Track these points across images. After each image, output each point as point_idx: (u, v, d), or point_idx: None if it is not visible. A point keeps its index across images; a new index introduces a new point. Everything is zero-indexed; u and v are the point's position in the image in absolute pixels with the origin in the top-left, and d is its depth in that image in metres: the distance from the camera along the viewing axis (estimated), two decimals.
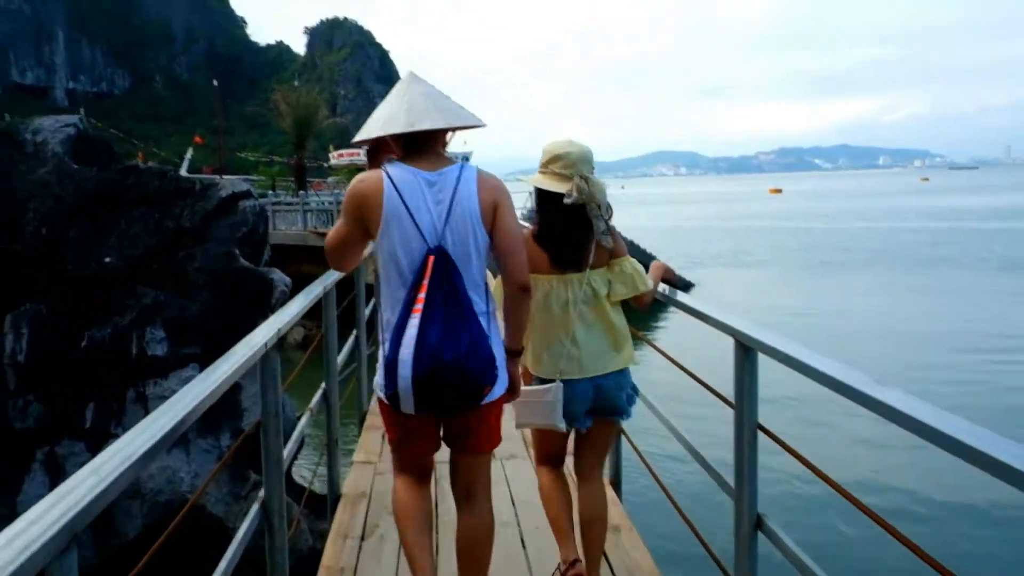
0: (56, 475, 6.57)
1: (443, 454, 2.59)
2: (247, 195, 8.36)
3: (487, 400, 2.28)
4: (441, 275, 2.17)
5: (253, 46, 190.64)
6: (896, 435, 1.60)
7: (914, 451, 9.31)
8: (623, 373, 2.75)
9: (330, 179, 44.54)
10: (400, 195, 2.20)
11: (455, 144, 2.68)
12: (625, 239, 2.92)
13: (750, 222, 60.88)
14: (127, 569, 1.49)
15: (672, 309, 3.01)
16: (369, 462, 4.37)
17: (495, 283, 2.53)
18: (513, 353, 2.41)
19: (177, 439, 1.57)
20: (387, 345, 2.21)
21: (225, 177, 21.37)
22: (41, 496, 1.17)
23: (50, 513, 1.12)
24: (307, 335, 16.59)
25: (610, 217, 2.69)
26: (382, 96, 2.43)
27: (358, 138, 2.33)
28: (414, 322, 2.13)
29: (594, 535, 2.80)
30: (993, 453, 1.22)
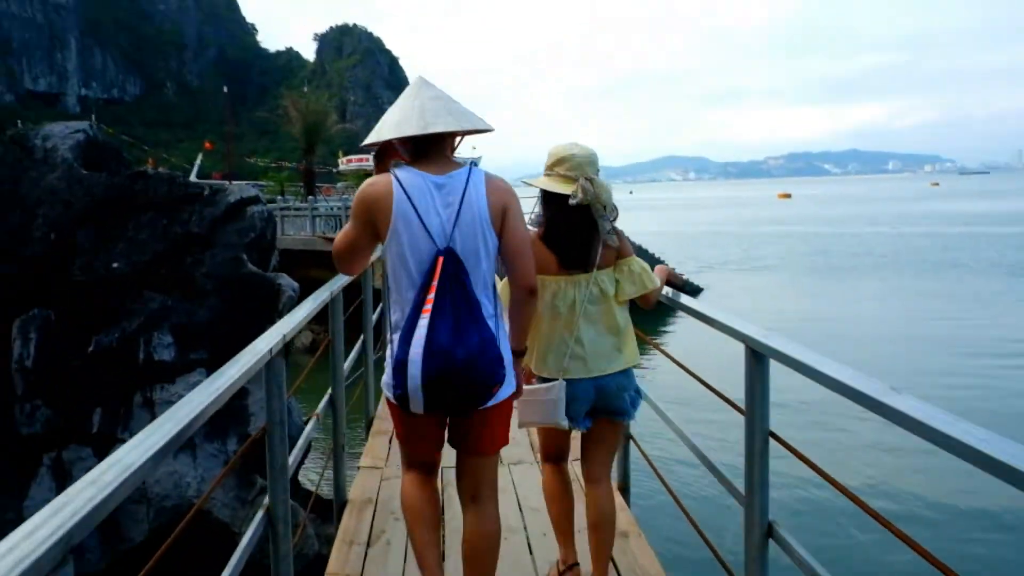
0: (63, 480, 6.57)
1: (450, 460, 2.59)
2: (255, 200, 8.36)
3: (495, 401, 2.29)
4: (451, 276, 2.18)
5: (263, 53, 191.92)
6: (909, 441, 1.56)
7: (928, 457, 9.21)
8: (627, 374, 2.78)
9: (339, 184, 44.70)
10: (409, 198, 2.21)
11: (464, 149, 2.71)
12: (633, 243, 2.92)
13: (759, 227, 60.69)
14: (133, 573, 1.47)
15: (682, 314, 3.00)
16: (376, 467, 4.35)
17: (501, 285, 2.53)
18: (516, 354, 2.43)
19: (184, 443, 1.54)
20: (396, 345, 2.22)
21: (234, 183, 21.44)
22: (48, 501, 1.15)
23: (45, 526, 1.09)
24: (315, 339, 16.61)
25: (615, 218, 2.71)
26: (391, 102, 2.45)
27: (369, 140, 2.34)
28: (423, 322, 2.14)
29: (602, 538, 2.78)
30: (1013, 463, 1.20)
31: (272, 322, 2.73)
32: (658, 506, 6.63)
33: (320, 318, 3.77)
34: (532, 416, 2.68)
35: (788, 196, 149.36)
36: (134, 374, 7.03)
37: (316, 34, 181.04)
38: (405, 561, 3.21)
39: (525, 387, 2.57)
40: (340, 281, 3.73)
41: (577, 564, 2.87)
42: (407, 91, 2.38)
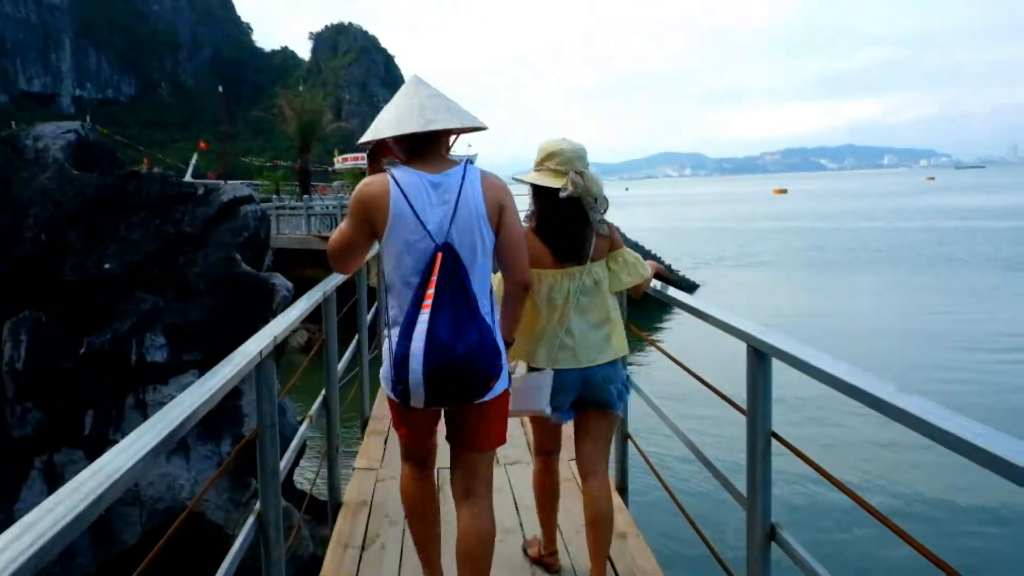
0: (54, 483, 6.50)
1: (445, 460, 2.58)
2: (248, 200, 8.29)
3: (491, 395, 2.31)
4: (449, 271, 2.21)
5: (258, 52, 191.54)
6: (910, 437, 1.53)
7: (934, 457, 9.18)
8: (614, 366, 2.81)
9: (335, 183, 44.57)
10: (406, 196, 2.24)
11: (460, 146, 2.72)
12: (629, 239, 2.92)
13: (755, 223, 60.76)
14: None
15: (676, 310, 2.99)
16: (371, 468, 4.30)
17: (495, 279, 2.55)
18: (505, 344, 2.45)
19: (176, 446, 1.48)
20: (396, 340, 2.23)
21: (229, 182, 21.35)
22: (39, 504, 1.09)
23: (17, 543, 1.03)
24: (311, 338, 16.55)
25: (605, 210, 2.76)
26: (387, 100, 2.49)
27: (367, 137, 2.35)
28: (424, 317, 2.16)
29: (599, 535, 2.78)
30: (1010, 458, 1.18)
31: (266, 322, 2.68)
32: (656, 502, 6.59)
33: (316, 317, 3.72)
34: (517, 404, 2.68)
35: (784, 191, 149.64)
36: (126, 375, 6.96)
37: (311, 33, 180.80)
38: (400, 565, 3.17)
39: (513, 375, 2.63)
40: (333, 280, 3.68)
41: (556, 552, 3.06)
42: (403, 89, 2.39)
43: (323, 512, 6.76)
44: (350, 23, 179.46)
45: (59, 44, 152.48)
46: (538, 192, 2.76)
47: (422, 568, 2.70)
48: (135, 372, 6.97)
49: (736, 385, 2.41)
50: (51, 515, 1.11)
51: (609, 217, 2.88)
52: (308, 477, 9.38)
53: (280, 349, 2.48)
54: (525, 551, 3.20)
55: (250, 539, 2.27)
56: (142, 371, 6.98)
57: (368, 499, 3.87)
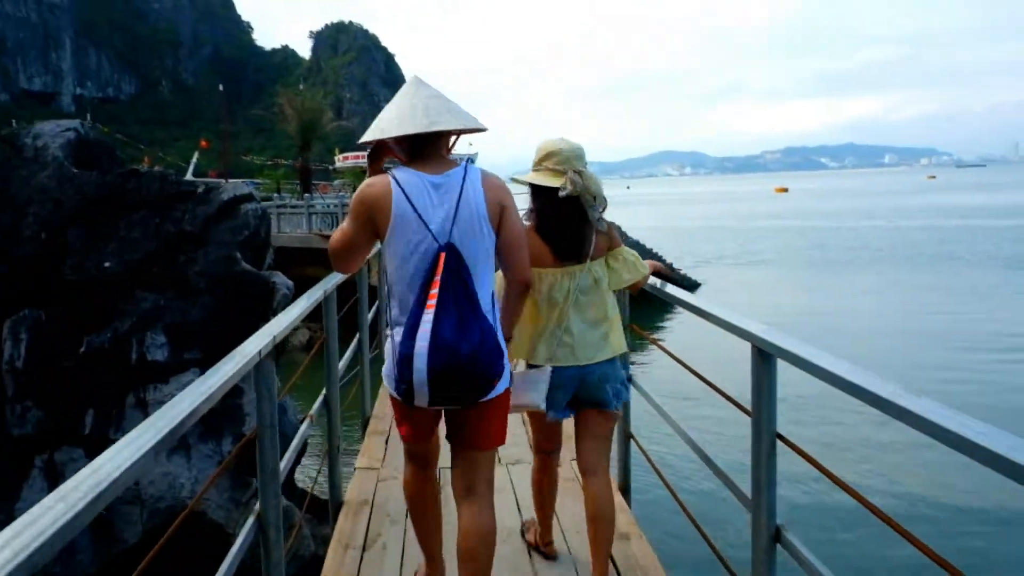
0: (55, 482, 6.48)
1: (446, 459, 2.60)
2: (249, 198, 8.27)
3: (493, 394, 2.32)
4: (452, 271, 2.22)
5: (259, 51, 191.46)
6: (915, 437, 1.51)
7: (938, 457, 9.14)
8: (612, 364, 2.82)
9: (335, 182, 44.56)
10: (408, 198, 2.25)
11: (461, 146, 2.73)
12: (630, 238, 2.94)
13: (755, 221, 60.70)
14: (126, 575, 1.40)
15: (678, 309, 3.00)
16: (372, 468, 4.28)
17: (496, 277, 2.56)
18: (505, 341, 2.47)
19: (177, 444, 1.46)
20: (400, 340, 2.23)
21: (230, 181, 21.32)
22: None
23: (17, 541, 1.02)
24: (312, 336, 16.54)
25: (604, 209, 2.77)
26: (387, 99, 2.48)
27: (367, 137, 2.35)
28: (428, 317, 2.17)
29: (600, 534, 2.78)
30: (1012, 456, 1.18)
31: (267, 321, 2.67)
32: (658, 502, 6.57)
33: (316, 316, 3.71)
34: (514, 399, 2.67)
35: (785, 190, 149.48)
36: (127, 374, 6.94)
37: (312, 32, 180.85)
38: (402, 564, 3.16)
39: (513, 372, 2.66)
40: (334, 279, 3.66)
41: (551, 542, 3.14)
42: (403, 90, 2.40)
43: (324, 511, 6.75)
44: (350, 22, 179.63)
45: (59, 43, 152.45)
46: (537, 191, 2.77)
47: (424, 562, 2.75)
48: (135, 371, 6.95)
49: (738, 384, 2.39)
50: (51, 513, 1.10)
51: (609, 216, 2.88)
52: (309, 476, 9.36)
53: (281, 348, 2.47)
54: (523, 534, 3.29)
55: (250, 540, 2.26)
56: (142, 370, 6.96)
57: (369, 498, 3.86)
